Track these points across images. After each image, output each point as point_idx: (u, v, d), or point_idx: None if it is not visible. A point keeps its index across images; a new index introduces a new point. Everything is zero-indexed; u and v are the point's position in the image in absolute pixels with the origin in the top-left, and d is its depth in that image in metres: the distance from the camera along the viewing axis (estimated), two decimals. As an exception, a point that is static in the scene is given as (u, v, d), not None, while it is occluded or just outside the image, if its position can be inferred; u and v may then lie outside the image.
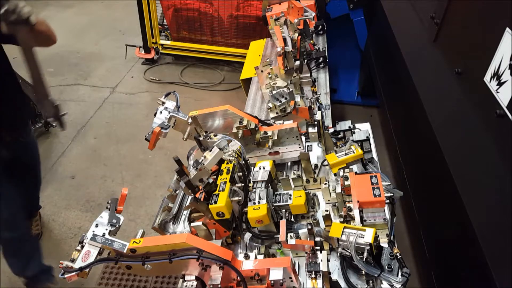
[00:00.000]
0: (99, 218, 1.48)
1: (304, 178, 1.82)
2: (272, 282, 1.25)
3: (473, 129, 1.49)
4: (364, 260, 1.31)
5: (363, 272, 1.33)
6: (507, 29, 1.25)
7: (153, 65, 5.43)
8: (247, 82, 3.03)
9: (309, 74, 2.51)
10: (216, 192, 1.54)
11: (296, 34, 2.59)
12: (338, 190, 1.62)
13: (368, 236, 1.29)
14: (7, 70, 2.16)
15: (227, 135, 1.78)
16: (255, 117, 2.05)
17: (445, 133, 1.77)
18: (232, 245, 1.62)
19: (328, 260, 1.40)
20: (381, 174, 1.57)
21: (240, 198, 1.57)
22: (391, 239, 1.45)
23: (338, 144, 2.02)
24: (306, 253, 1.41)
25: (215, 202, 1.50)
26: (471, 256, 1.47)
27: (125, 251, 1.28)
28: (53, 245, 3.23)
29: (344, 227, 1.36)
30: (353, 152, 1.75)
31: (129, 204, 3.43)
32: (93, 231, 1.37)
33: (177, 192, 1.77)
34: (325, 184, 1.75)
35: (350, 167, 1.76)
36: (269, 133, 2.08)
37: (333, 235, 1.38)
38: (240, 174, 1.66)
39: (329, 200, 1.73)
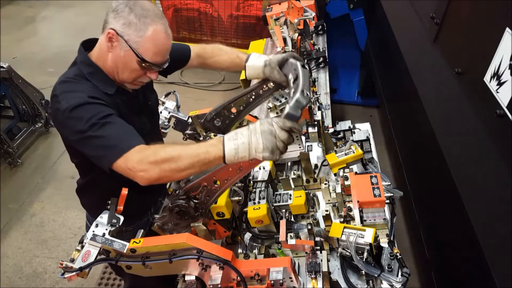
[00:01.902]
0: (99, 218, 1.48)
1: (304, 178, 1.82)
2: (272, 282, 1.25)
3: (473, 129, 1.49)
4: (364, 260, 1.31)
5: (363, 272, 1.33)
6: (507, 29, 1.25)
7: (153, 65, 5.42)
8: (247, 82, 3.02)
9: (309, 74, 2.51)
10: (216, 192, 1.54)
11: (296, 34, 2.59)
12: (338, 190, 1.62)
13: (368, 236, 1.30)
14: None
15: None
16: (255, 117, 2.05)
17: (445, 133, 1.77)
18: (232, 245, 1.62)
19: (328, 260, 1.40)
20: (381, 174, 1.57)
21: (240, 198, 1.57)
22: (391, 239, 1.45)
23: (338, 144, 2.01)
24: (306, 253, 1.40)
25: (215, 202, 1.50)
26: (471, 256, 1.47)
27: (125, 251, 1.28)
28: (53, 245, 3.23)
29: (344, 227, 1.36)
30: (353, 152, 1.76)
31: (129, 204, 3.42)
32: (93, 231, 1.37)
33: (177, 192, 1.76)
34: (325, 184, 1.75)
35: (350, 167, 1.76)
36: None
37: (333, 235, 1.38)
38: (240, 174, 1.66)
39: (329, 200, 1.73)
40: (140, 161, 1.24)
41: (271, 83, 1.61)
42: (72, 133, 1.35)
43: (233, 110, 1.71)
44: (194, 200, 1.42)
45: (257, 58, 1.62)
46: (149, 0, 1.45)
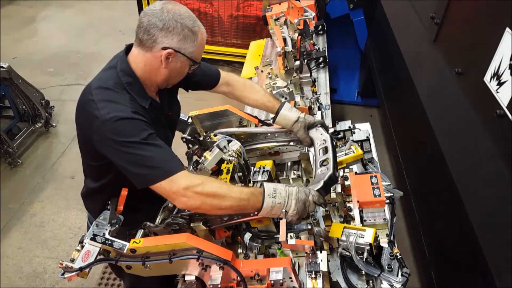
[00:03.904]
0: (99, 218, 1.48)
1: (304, 178, 1.82)
2: (272, 282, 1.25)
3: (473, 129, 1.49)
4: (364, 260, 1.31)
5: (363, 272, 1.33)
6: (507, 29, 1.25)
7: (153, 65, 5.42)
8: (247, 82, 3.02)
9: (309, 74, 2.51)
10: (216, 192, 1.54)
11: (296, 34, 2.59)
12: (338, 190, 1.62)
13: (368, 236, 1.30)
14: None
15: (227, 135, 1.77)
16: (255, 117, 2.05)
17: (445, 133, 1.77)
18: (232, 245, 1.62)
19: (328, 260, 1.40)
20: (381, 174, 1.57)
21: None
22: (391, 239, 1.45)
23: (338, 144, 2.01)
24: (306, 253, 1.40)
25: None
26: (471, 256, 1.47)
27: (125, 251, 1.28)
28: (53, 245, 3.23)
29: (344, 227, 1.37)
30: (353, 152, 1.75)
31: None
32: (93, 231, 1.37)
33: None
34: (325, 184, 1.75)
35: (350, 167, 1.76)
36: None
37: (333, 235, 1.38)
38: (240, 174, 1.66)
39: (329, 200, 1.73)
40: (186, 188, 1.28)
41: (291, 134, 1.74)
42: (110, 144, 1.33)
43: (242, 137, 1.79)
44: (195, 224, 1.44)
45: (289, 109, 1.71)
46: (179, 4, 1.46)
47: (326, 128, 1.67)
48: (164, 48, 1.40)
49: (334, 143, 1.58)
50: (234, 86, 1.87)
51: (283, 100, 2.14)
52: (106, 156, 1.38)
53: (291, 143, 1.78)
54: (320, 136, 1.63)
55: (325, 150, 1.56)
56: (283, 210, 1.33)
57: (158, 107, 1.59)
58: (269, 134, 1.81)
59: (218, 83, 1.85)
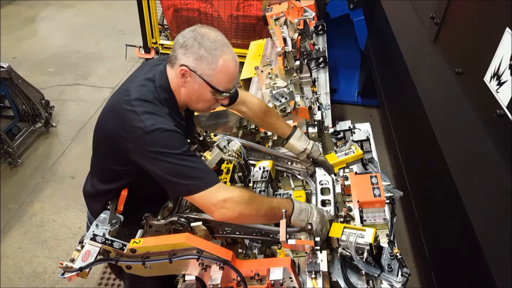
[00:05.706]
0: (99, 218, 1.48)
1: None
2: (272, 282, 1.25)
3: (473, 129, 1.49)
4: (364, 260, 1.31)
5: (363, 272, 1.33)
6: (507, 29, 1.25)
7: (153, 65, 5.42)
8: (247, 82, 3.02)
9: (309, 74, 2.51)
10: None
11: (296, 34, 2.59)
12: (338, 190, 1.62)
13: (368, 236, 1.30)
14: None
15: (227, 135, 1.77)
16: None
17: (445, 133, 1.77)
18: (232, 245, 1.62)
19: (328, 260, 1.40)
20: (381, 174, 1.57)
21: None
22: (391, 239, 1.45)
23: (338, 144, 2.02)
24: (306, 253, 1.40)
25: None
26: (471, 256, 1.47)
27: (125, 251, 1.28)
28: (53, 245, 3.23)
29: (344, 227, 1.37)
30: (353, 152, 1.76)
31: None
32: (93, 231, 1.37)
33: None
34: (325, 184, 1.75)
35: (350, 167, 1.76)
36: (269, 133, 2.08)
37: (333, 235, 1.38)
38: (240, 174, 1.66)
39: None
40: (226, 200, 1.31)
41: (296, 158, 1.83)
42: (151, 154, 1.33)
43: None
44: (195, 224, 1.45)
45: (298, 139, 1.80)
46: (213, 30, 1.45)
47: (329, 170, 1.76)
48: (181, 66, 1.41)
49: (335, 187, 1.71)
50: (249, 107, 1.86)
51: (283, 100, 2.14)
52: (140, 165, 1.38)
53: (290, 171, 1.86)
54: (324, 176, 1.76)
55: (327, 191, 1.69)
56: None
57: (184, 125, 1.58)
58: (273, 154, 1.87)
59: (235, 102, 1.82)
